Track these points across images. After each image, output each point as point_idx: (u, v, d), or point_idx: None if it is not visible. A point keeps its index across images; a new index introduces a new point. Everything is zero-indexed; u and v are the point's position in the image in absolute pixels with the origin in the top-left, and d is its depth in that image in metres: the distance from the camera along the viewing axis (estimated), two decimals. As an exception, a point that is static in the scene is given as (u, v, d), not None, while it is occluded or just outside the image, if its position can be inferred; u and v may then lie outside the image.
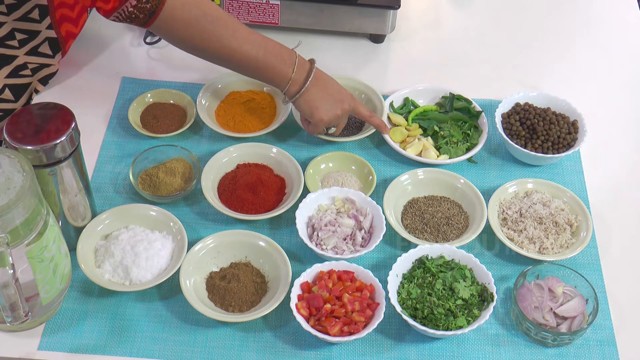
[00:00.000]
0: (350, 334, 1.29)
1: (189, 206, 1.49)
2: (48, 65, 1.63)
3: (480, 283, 1.36)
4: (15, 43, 1.54)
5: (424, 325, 1.30)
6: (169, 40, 1.47)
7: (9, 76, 1.57)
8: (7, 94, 1.58)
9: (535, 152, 1.58)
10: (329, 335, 1.28)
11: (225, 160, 1.53)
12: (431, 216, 1.47)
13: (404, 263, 1.38)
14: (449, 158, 1.57)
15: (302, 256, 1.43)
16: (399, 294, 1.35)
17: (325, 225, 1.43)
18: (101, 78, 1.70)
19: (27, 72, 1.59)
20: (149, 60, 1.77)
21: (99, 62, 1.73)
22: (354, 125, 1.63)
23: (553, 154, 1.58)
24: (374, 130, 1.59)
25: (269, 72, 1.48)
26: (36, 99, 1.63)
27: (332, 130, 1.57)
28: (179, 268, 1.35)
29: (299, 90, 1.49)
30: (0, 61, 1.55)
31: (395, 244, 1.45)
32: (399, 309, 1.32)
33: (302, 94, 1.49)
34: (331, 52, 1.80)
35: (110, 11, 1.21)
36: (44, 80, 1.64)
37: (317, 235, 1.42)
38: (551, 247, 1.44)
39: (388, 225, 1.43)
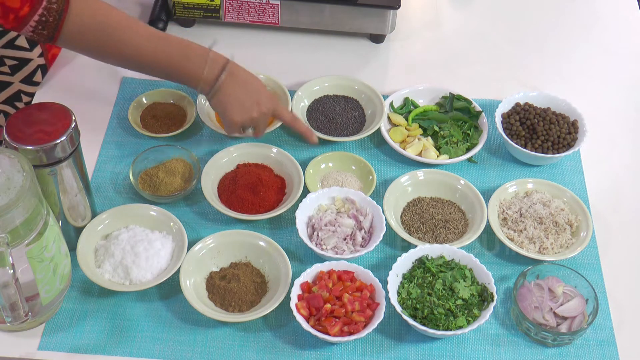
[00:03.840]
0: (350, 334, 1.29)
1: (189, 206, 1.49)
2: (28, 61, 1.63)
3: (480, 283, 1.36)
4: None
5: (424, 325, 1.30)
6: (75, 50, 1.39)
7: None
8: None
9: (535, 152, 1.58)
10: (329, 335, 1.28)
11: (225, 160, 1.53)
12: (430, 216, 1.47)
13: (404, 263, 1.38)
14: (449, 158, 1.57)
15: (302, 256, 1.43)
16: (399, 294, 1.35)
17: (325, 225, 1.43)
18: (101, 78, 1.70)
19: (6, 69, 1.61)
20: (149, 60, 1.76)
21: (100, 62, 1.73)
22: (354, 125, 1.63)
23: (553, 154, 1.58)
24: (374, 130, 1.59)
25: (178, 71, 1.39)
26: (36, 99, 1.63)
27: (249, 131, 1.49)
28: (179, 268, 1.35)
29: (210, 89, 1.40)
30: None
31: (395, 244, 1.45)
32: (399, 309, 1.32)
33: (216, 93, 1.41)
34: (331, 52, 1.80)
35: (14, 28, 1.26)
36: (28, 79, 1.64)
37: (317, 235, 1.42)
38: (551, 247, 1.44)
39: (388, 226, 1.43)
